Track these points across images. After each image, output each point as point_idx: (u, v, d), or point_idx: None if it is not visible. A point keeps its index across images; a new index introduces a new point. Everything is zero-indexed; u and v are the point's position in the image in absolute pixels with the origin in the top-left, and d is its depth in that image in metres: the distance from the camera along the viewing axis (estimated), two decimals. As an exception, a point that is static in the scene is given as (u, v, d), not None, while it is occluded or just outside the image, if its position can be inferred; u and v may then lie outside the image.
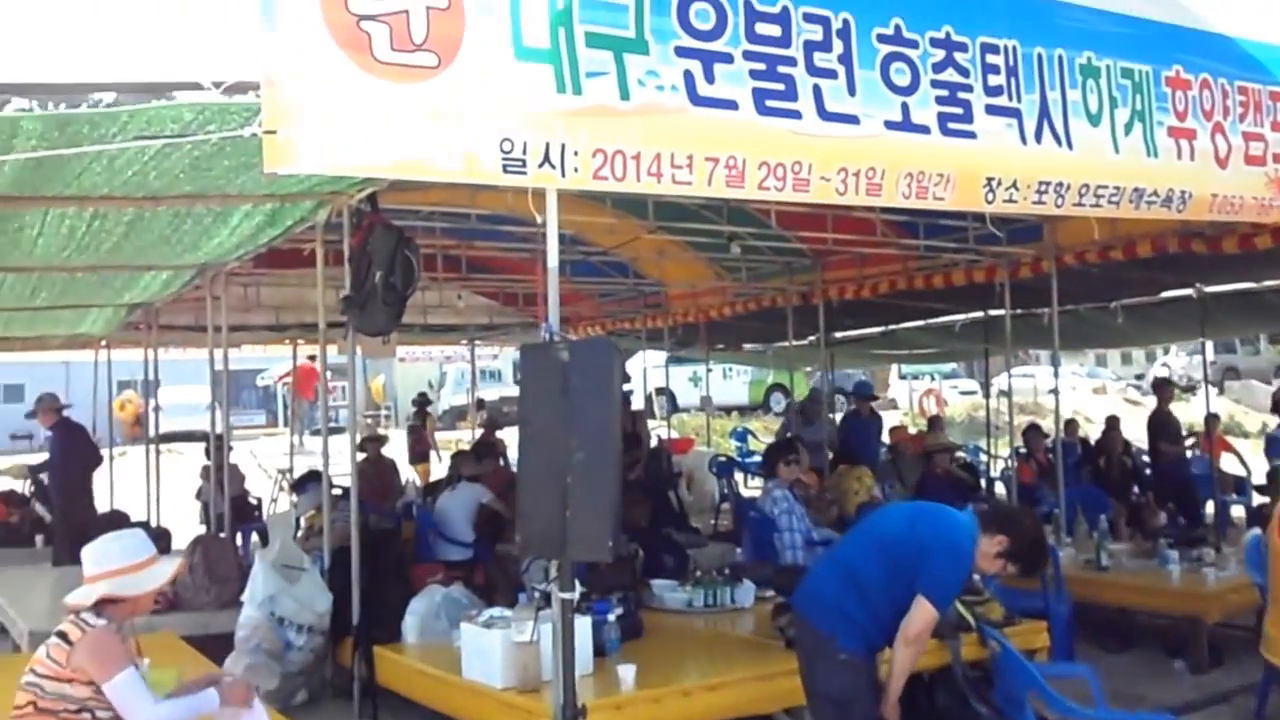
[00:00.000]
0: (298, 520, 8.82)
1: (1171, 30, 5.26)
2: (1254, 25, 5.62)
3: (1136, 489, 10.83)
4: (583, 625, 4.44)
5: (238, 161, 4.36)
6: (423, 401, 17.62)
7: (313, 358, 15.46)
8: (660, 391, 21.49)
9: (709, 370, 20.14)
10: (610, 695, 4.30)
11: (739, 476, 14.67)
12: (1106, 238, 7.55)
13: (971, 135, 4.54)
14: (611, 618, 4.83)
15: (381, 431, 16.63)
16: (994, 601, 5.38)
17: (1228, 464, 11.88)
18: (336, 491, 7.14)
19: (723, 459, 14.11)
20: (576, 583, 3.51)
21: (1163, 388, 11.86)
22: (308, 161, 3.31)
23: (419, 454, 16.04)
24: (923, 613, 3.86)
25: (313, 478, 8.48)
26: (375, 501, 9.26)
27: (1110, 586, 6.91)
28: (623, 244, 9.45)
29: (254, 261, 7.51)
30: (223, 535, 8.48)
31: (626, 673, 4.33)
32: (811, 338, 12.33)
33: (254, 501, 11.87)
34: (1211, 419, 12.21)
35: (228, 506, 8.75)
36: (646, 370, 20.66)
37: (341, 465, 7.15)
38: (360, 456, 7.93)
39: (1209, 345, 22.02)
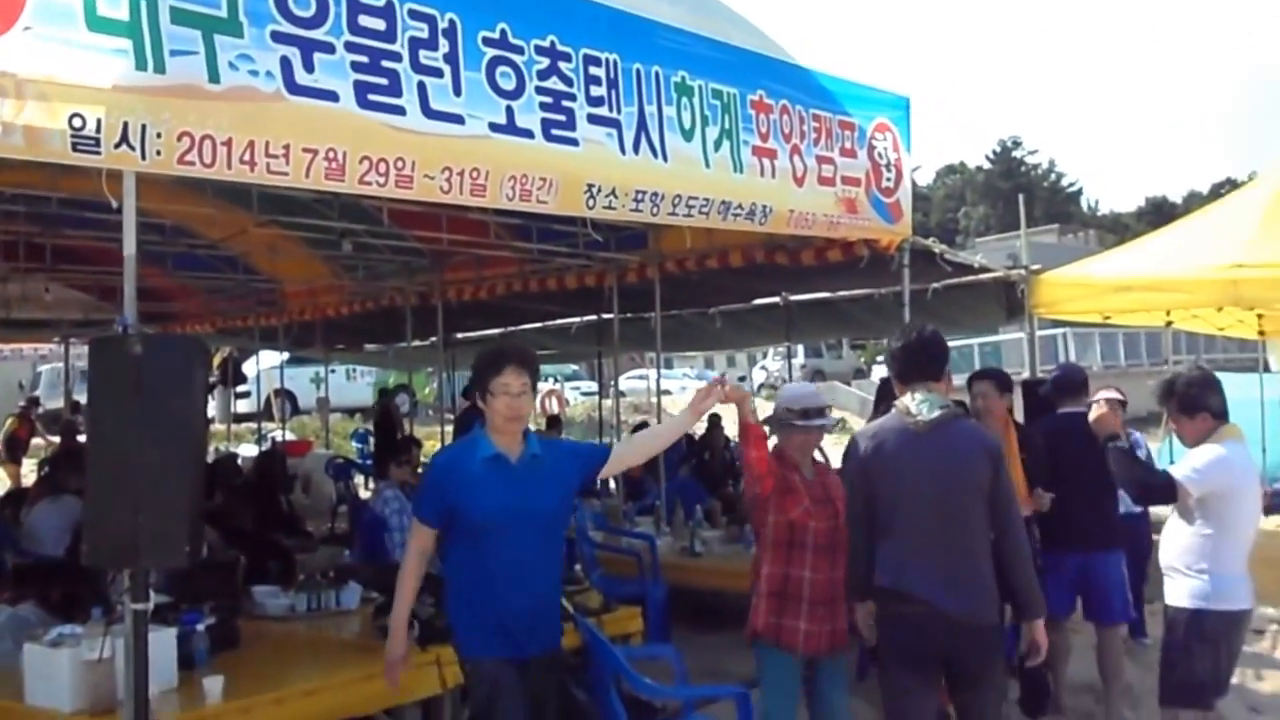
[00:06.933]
0: None
1: (756, 58, 5.73)
2: (825, 60, 6.28)
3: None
4: (166, 637, 4.17)
5: None
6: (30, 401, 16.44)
7: None
8: (279, 393, 20.57)
9: (331, 372, 19.57)
10: (194, 709, 4.05)
11: (359, 479, 14.37)
12: (703, 247, 8.09)
13: (574, 142, 4.71)
14: (200, 628, 4.55)
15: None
16: (593, 590, 5.63)
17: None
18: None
19: (340, 461, 13.77)
20: (152, 592, 3.29)
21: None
22: None
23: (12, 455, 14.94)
24: None
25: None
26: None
27: (703, 571, 7.42)
28: (230, 237, 8.96)
29: None
30: None
31: (213, 685, 4.09)
32: (432, 339, 12.31)
33: None
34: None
35: None
36: (261, 372, 19.75)
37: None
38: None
39: (800, 349, 24.30)
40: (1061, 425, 6.01)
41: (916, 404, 3.84)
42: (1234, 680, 4.85)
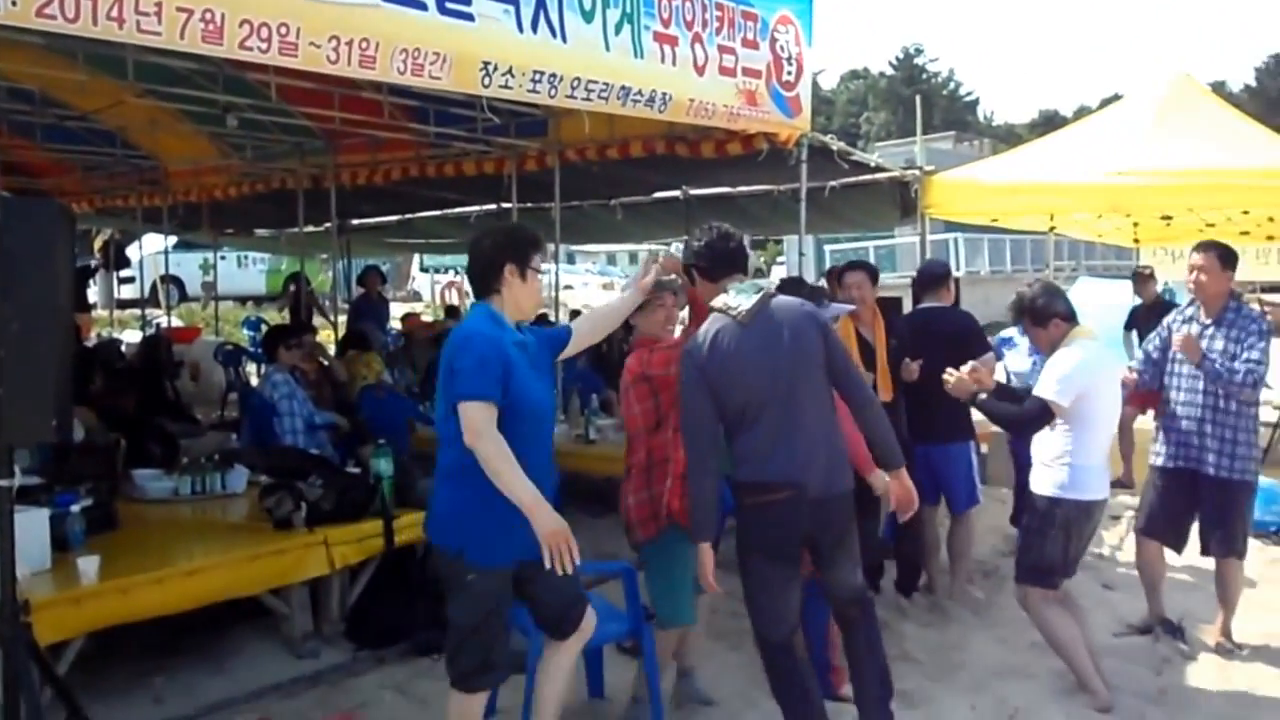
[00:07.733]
0: None
1: (660, -59, 5.58)
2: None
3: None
4: (37, 518, 4.07)
5: None
6: None
7: None
8: (165, 279, 19.90)
9: (221, 258, 18.97)
10: (68, 590, 3.97)
11: (251, 367, 14.06)
12: (604, 137, 7.95)
13: (469, 17, 4.55)
14: (75, 509, 4.44)
15: None
16: (485, 476, 5.63)
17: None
18: None
19: (230, 348, 13.43)
20: (19, 470, 3.17)
21: None
22: None
23: None
24: (466, 416, 3.27)
25: None
26: None
27: (596, 458, 7.47)
28: (105, 109, 8.46)
29: None
30: None
31: (88, 565, 4.01)
32: (326, 224, 11.98)
33: None
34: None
35: None
36: (145, 258, 19.03)
37: None
38: None
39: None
40: (915, 319, 6.18)
41: (733, 297, 3.88)
42: (1090, 560, 5.13)
